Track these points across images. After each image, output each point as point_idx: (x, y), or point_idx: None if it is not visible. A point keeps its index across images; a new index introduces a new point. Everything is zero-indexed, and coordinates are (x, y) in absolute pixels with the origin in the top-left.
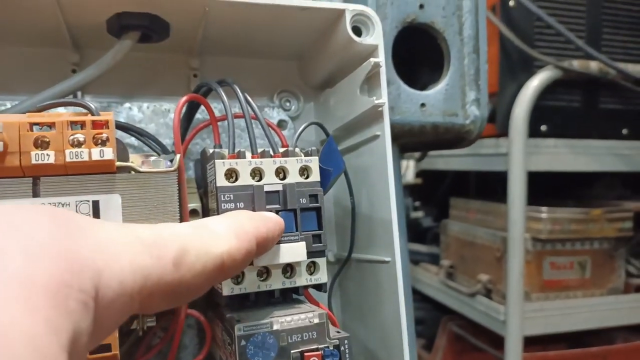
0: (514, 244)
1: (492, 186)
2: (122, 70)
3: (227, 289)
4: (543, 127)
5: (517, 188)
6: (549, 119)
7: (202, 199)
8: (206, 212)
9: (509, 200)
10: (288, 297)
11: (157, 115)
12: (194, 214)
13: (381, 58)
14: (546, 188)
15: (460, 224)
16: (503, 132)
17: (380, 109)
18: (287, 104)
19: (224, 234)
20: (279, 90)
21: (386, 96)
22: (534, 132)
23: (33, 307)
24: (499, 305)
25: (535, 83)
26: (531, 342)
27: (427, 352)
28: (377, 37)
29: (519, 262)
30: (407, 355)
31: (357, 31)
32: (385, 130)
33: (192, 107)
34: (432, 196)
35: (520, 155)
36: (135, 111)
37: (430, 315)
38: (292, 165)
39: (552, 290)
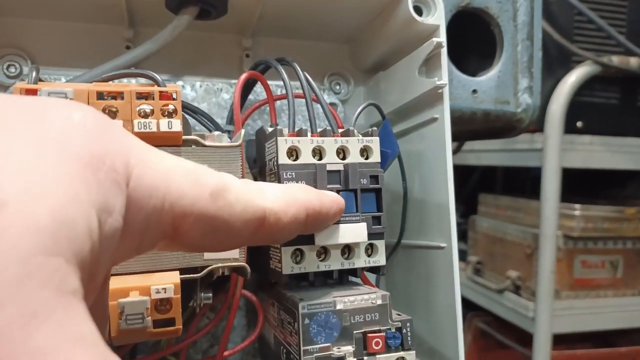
0: (546, 240)
1: (519, 182)
2: (176, 49)
3: (287, 267)
4: (579, 124)
5: (551, 184)
6: (585, 115)
7: (257, 178)
8: None
9: (542, 196)
10: (345, 280)
11: (210, 94)
12: None
13: (443, 38)
14: (578, 185)
15: (489, 220)
16: (538, 127)
17: (440, 90)
18: (337, 87)
19: (272, 193)
20: (329, 73)
21: (447, 77)
22: (569, 128)
23: (65, 173)
24: (528, 302)
25: (572, 78)
26: (557, 341)
27: None
28: (438, 17)
29: (550, 259)
30: (461, 342)
31: (418, 11)
32: (444, 113)
33: (246, 87)
34: (459, 192)
35: (556, 151)
36: (188, 90)
37: None
38: (353, 145)
39: (583, 289)
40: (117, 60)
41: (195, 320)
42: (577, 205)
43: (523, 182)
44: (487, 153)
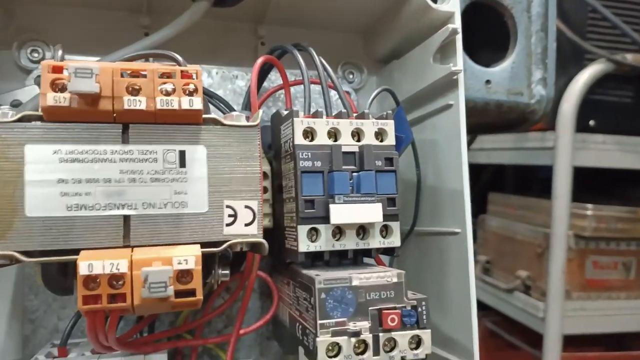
0: (557, 240)
1: (529, 182)
2: (193, 36)
3: (303, 245)
4: (591, 122)
5: (562, 183)
6: (598, 113)
7: (272, 162)
8: (275, 176)
9: (553, 195)
10: (359, 261)
11: (226, 81)
12: (263, 177)
13: (458, 25)
14: (590, 185)
15: (499, 219)
16: (550, 125)
17: (455, 77)
18: (351, 76)
19: None
20: (343, 62)
21: (462, 63)
22: (582, 126)
23: None
24: (538, 302)
25: (585, 76)
26: (567, 344)
27: None
28: (453, 4)
29: (561, 259)
30: (475, 329)
31: None
32: (459, 99)
33: (262, 73)
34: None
35: (567, 150)
36: (204, 77)
37: None
38: (368, 127)
39: (594, 290)
40: (136, 45)
41: (212, 298)
42: (589, 205)
43: (533, 182)
44: (497, 151)
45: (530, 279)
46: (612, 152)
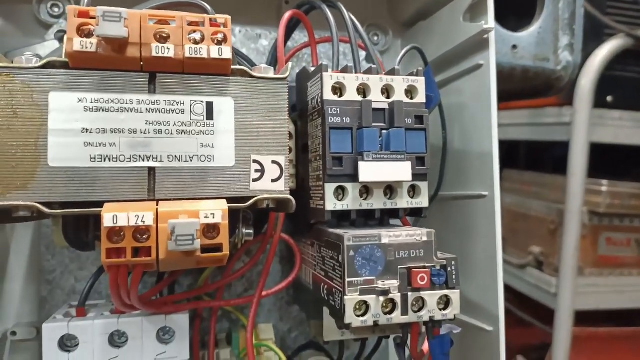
0: (571, 216)
1: (541, 159)
2: None
3: (330, 204)
4: (609, 98)
5: (578, 159)
6: (616, 89)
7: (297, 122)
8: (300, 136)
9: (569, 171)
10: (385, 221)
11: (249, 40)
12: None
13: None
14: (603, 161)
15: (512, 196)
16: (567, 100)
17: (486, 36)
18: (375, 38)
19: None
20: (368, 24)
21: (493, 21)
22: (599, 102)
23: None
24: (551, 278)
25: (604, 52)
26: (579, 320)
27: None
28: None
29: (575, 235)
30: (501, 293)
31: None
32: (490, 58)
33: (287, 31)
34: None
35: (584, 125)
36: None
37: None
38: (398, 84)
39: (607, 266)
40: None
41: (234, 260)
42: (604, 181)
43: (546, 159)
44: (513, 127)
45: (543, 255)
46: (629, 128)
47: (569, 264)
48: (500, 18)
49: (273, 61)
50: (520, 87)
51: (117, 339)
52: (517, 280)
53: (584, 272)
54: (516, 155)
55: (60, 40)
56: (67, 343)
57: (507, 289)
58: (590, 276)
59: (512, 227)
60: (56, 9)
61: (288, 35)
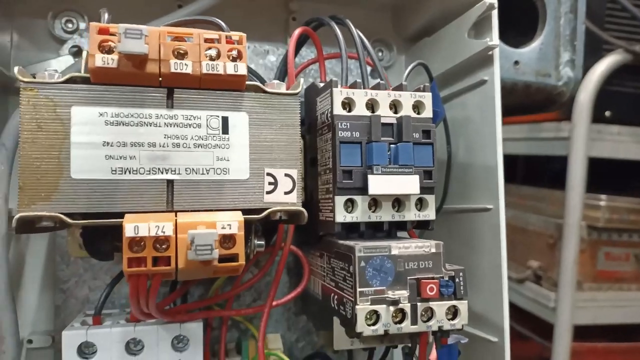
0: (570, 230)
1: (538, 173)
2: (224, 11)
3: (340, 216)
4: (607, 113)
5: (577, 174)
6: (614, 104)
7: (305, 136)
8: (309, 149)
9: (567, 186)
10: (393, 233)
11: (257, 55)
12: None
13: None
14: (604, 177)
15: (511, 210)
16: (565, 115)
17: (490, 52)
18: (380, 53)
19: None
20: (372, 40)
21: (498, 38)
22: (597, 117)
23: None
24: (550, 292)
25: (602, 67)
26: (577, 335)
27: None
28: None
29: (573, 249)
30: (506, 305)
31: None
32: (494, 74)
33: (296, 46)
34: None
35: (583, 140)
36: None
37: None
38: (406, 99)
39: (605, 281)
40: (170, 17)
41: (244, 270)
42: (603, 196)
43: (544, 174)
44: (511, 142)
45: (542, 269)
46: (627, 143)
47: (568, 279)
48: (502, 34)
49: (281, 77)
50: (522, 102)
51: (133, 347)
52: (516, 295)
53: (583, 287)
54: (515, 170)
55: (75, 55)
56: (85, 350)
57: None
58: (589, 291)
59: (511, 241)
60: (70, 25)
61: (296, 51)
